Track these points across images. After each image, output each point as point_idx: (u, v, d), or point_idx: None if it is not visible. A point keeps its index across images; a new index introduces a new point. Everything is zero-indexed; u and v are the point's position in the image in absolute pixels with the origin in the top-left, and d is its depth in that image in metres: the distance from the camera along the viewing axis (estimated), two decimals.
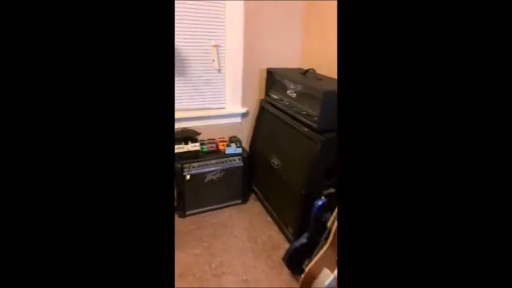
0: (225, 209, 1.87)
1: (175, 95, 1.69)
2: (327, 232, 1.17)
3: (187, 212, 1.77)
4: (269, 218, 1.80)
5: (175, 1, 1.47)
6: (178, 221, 1.75)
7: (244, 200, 1.93)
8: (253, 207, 1.92)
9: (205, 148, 1.74)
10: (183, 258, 1.48)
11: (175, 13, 1.49)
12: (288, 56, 1.89)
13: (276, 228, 1.73)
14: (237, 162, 1.78)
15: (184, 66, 1.65)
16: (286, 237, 1.63)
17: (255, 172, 1.93)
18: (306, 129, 1.41)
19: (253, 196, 2.01)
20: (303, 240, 1.26)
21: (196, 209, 1.79)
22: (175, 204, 1.80)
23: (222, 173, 1.76)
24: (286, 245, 1.60)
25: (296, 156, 1.50)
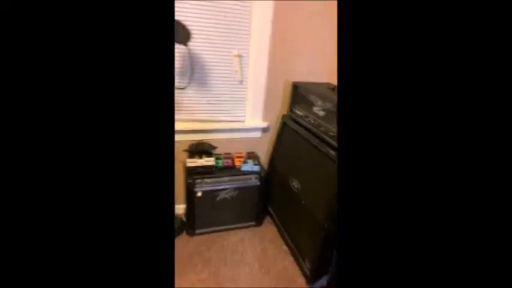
0: (237, 231, 1.73)
1: (193, 105, 1.60)
2: None
3: (197, 231, 1.65)
4: (284, 247, 1.63)
5: (198, 3, 1.38)
6: (186, 239, 1.63)
7: (259, 222, 1.78)
8: (268, 231, 1.76)
9: (220, 163, 1.62)
10: (186, 284, 1.35)
11: (199, 18, 1.41)
12: (316, 69, 1.74)
13: (291, 258, 1.55)
14: (253, 181, 1.63)
15: (204, 76, 1.55)
16: (302, 271, 1.45)
17: (272, 193, 1.77)
18: (333, 153, 1.25)
19: (268, 219, 1.85)
20: (323, 283, 1.09)
21: (206, 228, 1.67)
22: (184, 220, 1.69)
23: (236, 192, 1.62)
24: (302, 280, 1.42)
25: (320, 183, 1.33)
